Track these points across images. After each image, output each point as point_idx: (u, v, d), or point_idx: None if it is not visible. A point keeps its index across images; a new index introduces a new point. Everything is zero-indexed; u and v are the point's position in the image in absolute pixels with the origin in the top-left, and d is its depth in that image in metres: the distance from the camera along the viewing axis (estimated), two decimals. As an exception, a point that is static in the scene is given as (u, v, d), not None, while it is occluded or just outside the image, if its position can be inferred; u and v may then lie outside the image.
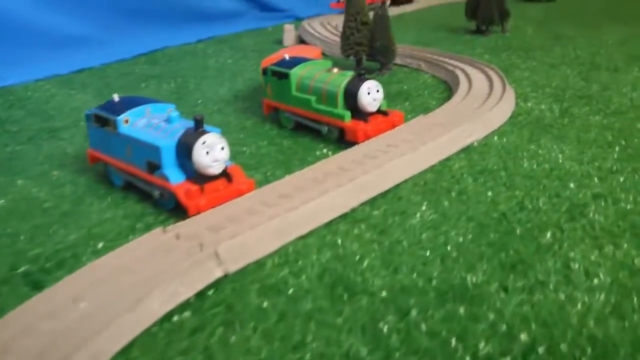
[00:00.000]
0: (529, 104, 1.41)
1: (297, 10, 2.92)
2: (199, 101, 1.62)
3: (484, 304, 0.69)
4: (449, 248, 0.82)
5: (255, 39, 2.50)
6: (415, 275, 0.76)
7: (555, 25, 2.40)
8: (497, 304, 0.69)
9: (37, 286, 0.78)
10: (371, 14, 1.74)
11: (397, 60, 1.87)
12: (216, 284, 0.76)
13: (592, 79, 1.60)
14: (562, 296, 0.71)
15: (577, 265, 0.77)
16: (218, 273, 0.76)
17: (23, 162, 1.24)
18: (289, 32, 2.38)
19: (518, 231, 0.86)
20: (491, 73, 1.58)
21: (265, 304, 0.72)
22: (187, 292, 0.73)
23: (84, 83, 1.90)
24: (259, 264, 0.80)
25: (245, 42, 2.45)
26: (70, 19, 2.30)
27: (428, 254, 0.81)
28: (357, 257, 0.80)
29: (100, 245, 0.88)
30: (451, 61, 1.76)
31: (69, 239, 0.90)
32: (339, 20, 2.49)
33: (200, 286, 0.74)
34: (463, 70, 1.63)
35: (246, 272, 0.78)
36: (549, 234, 0.84)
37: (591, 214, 0.90)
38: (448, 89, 1.60)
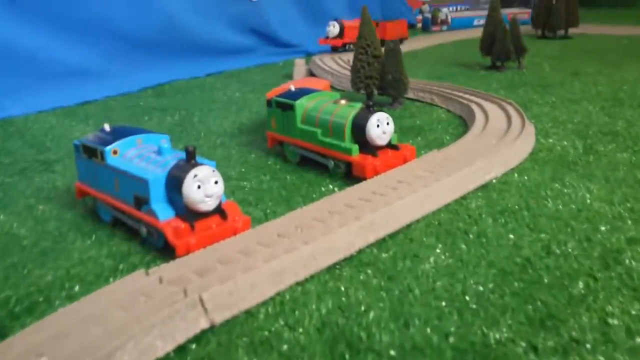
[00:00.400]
0: (550, 140, 1.32)
1: (308, 46, 2.89)
2: (202, 134, 1.55)
3: (509, 367, 0.59)
4: (467, 298, 0.72)
5: (265, 73, 2.46)
6: (429, 330, 0.66)
7: (572, 62, 2.33)
8: (525, 368, 0.59)
9: (1, 334, 0.69)
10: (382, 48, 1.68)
11: (410, 94, 1.80)
12: (200, 337, 0.66)
13: (616, 115, 1.51)
14: (601, 359, 0.60)
15: (616, 321, 0.66)
16: (203, 324, 0.67)
17: (10, 195, 1.17)
18: (300, 66, 2.33)
19: (546, 280, 0.75)
20: (509, 108, 1.49)
21: (254, 362, 0.62)
22: (165, 346, 0.63)
23: (87, 115, 1.85)
24: (250, 313, 0.70)
25: (254, 76, 2.40)
26: (77, 51, 2.26)
27: (444, 304, 0.71)
28: (363, 308, 0.70)
29: (76, 288, 0.80)
30: (466, 95, 1.68)
31: (43, 281, 0.82)
32: (350, 56, 2.44)
33: (181, 339, 0.65)
34: (479, 105, 1.55)
35: (235, 323, 0.69)
36: (581, 284, 0.74)
37: (627, 261, 0.79)
38: (463, 124, 1.52)
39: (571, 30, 3.07)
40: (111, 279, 0.81)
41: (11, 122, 1.77)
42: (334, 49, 2.67)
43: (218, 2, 2.78)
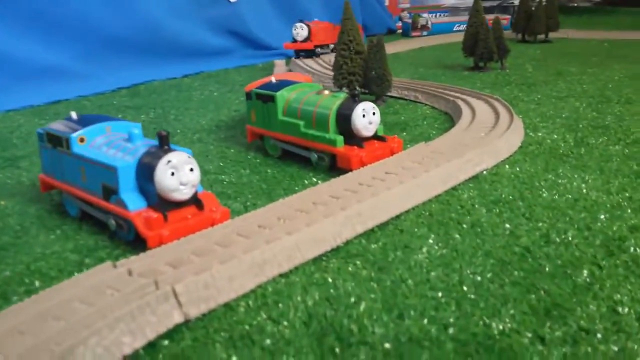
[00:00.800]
0: (540, 134, 1.28)
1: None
2: (178, 131, 1.48)
3: (517, 358, 0.53)
4: (465, 289, 0.66)
5: (245, 74, 2.40)
6: (426, 321, 0.60)
7: (555, 63, 2.31)
8: (534, 359, 0.53)
9: (-52, 334, 0.62)
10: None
11: (393, 93, 1.75)
12: (173, 332, 0.60)
13: (605, 111, 1.48)
14: (614, 348, 0.55)
15: (626, 309, 0.61)
16: (176, 318, 0.60)
17: (-31, 190, 1.09)
18: (280, 66, 2.28)
19: (547, 268, 0.70)
20: (496, 104, 1.46)
21: (234, 359, 0.55)
22: (133, 342, 0.57)
23: (57, 114, 1.76)
24: (229, 307, 0.64)
25: (233, 77, 2.34)
26: (51, 50, 2.17)
27: (440, 295, 0.65)
28: (353, 299, 0.64)
29: (37, 283, 0.72)
30: (451, 92, 1.64)
31: (1, 276, 0.74)
32: (330, 58, 2.40)
33: (151, 335, 0.58)
34: (465, 101, 1.51)
35: (212, 317, 0.62)
36: (585, 272, 0.69)
37: (632, 249, 0.75)
38: (449, 120, 1.47)
39: (551, 35, 3.07)
40: (76, 274, 0.74)
41: (-24, 121, 1.68)
42: (303, 54, 2.45)
43: (196, 3, 2.71)
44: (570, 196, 0.93)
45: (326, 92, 1.15)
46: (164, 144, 0.80)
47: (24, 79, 2.07)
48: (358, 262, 0.73)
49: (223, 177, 1.10)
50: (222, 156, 1.24)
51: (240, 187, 1.05)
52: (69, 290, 0.63)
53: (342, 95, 1.12)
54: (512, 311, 0.62)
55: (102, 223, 0.87)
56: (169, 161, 0.77)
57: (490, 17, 3.28)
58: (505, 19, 3.71)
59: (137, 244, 0.81)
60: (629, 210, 0.86)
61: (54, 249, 0.82)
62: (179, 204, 0.80)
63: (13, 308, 0.60)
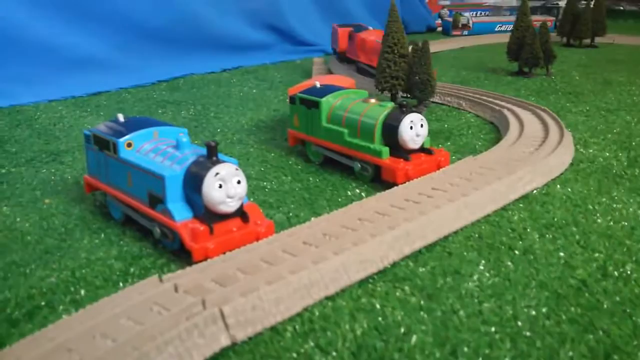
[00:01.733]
0: (590, 151, 1.24)
1: (326, 45, 2.81)
2: (218, 130, 1.48)
3: (579, 410, 0.51)
4: (519, 324, 0.64)
5: (283, 71, 2.38)
6: (480, 360, 0.58)
7: (602, 71, 2.24)
8: (597, 412, 0.51)
9: (-4, 342, 0.62)
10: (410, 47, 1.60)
11: (435, 99, 1.72)
12: (219, 356, 0.58)
13: (658, 126, 1.42)
14: (682, 403, 0.52)
15: (693, 359, 0.58)
16: (223, 341, 0.59)
17: (14, 186, 1.10)
18: (318, 65, 2.26)
19: (605, 305, 0.67)
20: (544, 115, 1.41)
21: (281, 389, 0.54)
22: (180, 366, 0.56)
23: (98, 106, 1.78)
24: (276, 331, 0.63)
25: (272, 73, 2.33)
26: (91, 41, 2.20)
27: (493, 330, 0.63)
28: (403, 330, 0.62)
29: (82, 292, 0.72)
30: (496, 100, 1.60)
31: (46, 282, 0.74)
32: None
33: (198, 358, 0.57)
34: (511, 111, 1.47)
35: (258, 341, 0.61)
36: (646, 312, 0.66)
37: (695, 288, 0.71)
38: (494, 130, 1.44)
39: (597, 40, 2.98)
40: (121, 284, 0.74)
41: (20, 110, 1.71)
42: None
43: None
44: (626, 223, 0.89)
45: (372, 100, 1.13)
46: (212, 155, 0.78)
47: (65, 69, 2.09)
48: (406, 288, 0.71)
49: (265, 183, 1.09)
50: (263, 160, 1.23)
51: (282, 195, 1.04)
52: (116, 304, 0.63)
53: (390, 105, 1.09)
54: (570, 353, 0.59)
55: (146, 229, 0.87)
56: (217, 173, 0.76)
57: (534, 19, 3.21)
58: (549, 21, 3.62)
59: (180, 253, 0.80)
60: (691, 243, 0.82)
61: (99, 255, 0.81)
62: (225, 216, 0.79)
63: (62, 323, 0.60)
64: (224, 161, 0.79)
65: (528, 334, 0.62)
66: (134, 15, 2.36)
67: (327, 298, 0.69)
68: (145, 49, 2.36)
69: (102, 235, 0.88)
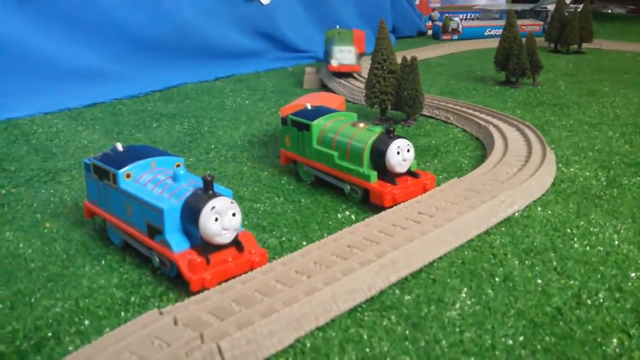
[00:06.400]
0: (572, 170, 1.29)
1: (318, 52, 2.84)
2: (212, 146, 1.52)
3: None
4: (497, 354, 0.69)
5: (275, 79, 2.42)
6: (459, 392, 0.62)
7: (588, 80, 2.29)
8: None
9: (6, 375, 0.66)
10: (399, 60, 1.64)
11: (424, 112, 1.76)
12: (217, 389, 0.63)
13: (638, 143, 1.47)
14: None
15: (655, 388, 0.63)
16: (220, 374, 0.64)
17: (15, 209, 1.13)
18: (310, 74, 2.30)
19: (577, 334, 0.72)
20: (528, 132, 1.46)
21: (275, 421, 0.58)
22: (181, 400, 0.60)
23: (94, 119, 1.81)
24: (270, 363, 0.67)
25: (264, 82, 2.36)
26: (84, 52, 2.22)
27: (472, 360, 0.67)
28: (388, 361, 0.67)
29: (86, 322, 0.76)
30: (482, 115, 1.65)
31: (52, 312, 0.78)
32: (362, 64, 2.40)
33: (197, 392, 0.61)
34: (497, 127, 1.51)
35: (254, 374, 0.65)
36: (615, 341, 0.71)
37: (662, 316, 0.76)
38: (480, 146, 1.48)
39: (584, 45, 3.03)
40: (122, 313, 0.78)
41: (16, 125, 1.73)
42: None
43: (228, 5, 2.73)
44: (601, 248, 0.94)
45: (361, 124, 1.17)
46: (208, 189, 0.83)
47: (59, 80, 2.11)
48: (392, 317, 0.76)
49: (258, 205, 1.13)
50: (256, 179, 1.27)
51: (275, 218, 1.08)
52: (120, 338, 0.67)
53: (378, 130, 1.13)
54: (543, 383, 0.64)
55: (144, 254, 0.91)
56: (213, 207, 0.80)
57: (521, 24, 3.25)
58: (538, 25, 3.67)
59: (178, 281, 0.84)
60: (661, 269, 0.87)
61: (100, 283, 0.85)
62: (221, 246, 0.83)
63: (71, 357, 0.64)
64: (220, 194, 0.83)
65: (505, 364, 0.67)
66: (126, 25, 2.38)
67: (318, 329, 0.73)
68: (138, 59, 2.38)
69: (103, 261, 0.92)
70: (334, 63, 2.13)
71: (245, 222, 1.05)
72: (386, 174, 1.10)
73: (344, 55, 2.14)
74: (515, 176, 1.18)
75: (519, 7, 4.01)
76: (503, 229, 1.01)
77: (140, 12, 2.41)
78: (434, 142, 1.53)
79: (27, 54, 2.05)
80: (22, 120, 1.77)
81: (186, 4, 2.55)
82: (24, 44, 2.05)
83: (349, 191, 1.15)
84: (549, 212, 1.07)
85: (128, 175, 0.91)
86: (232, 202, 0.83)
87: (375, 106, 1.69)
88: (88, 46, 2.23)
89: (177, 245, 0.82)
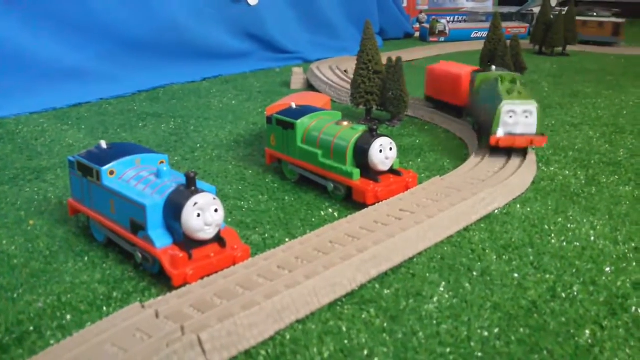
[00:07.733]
0: (552, 169, 1.31)
1: (305, 53, 2.86)
2: (198, 145, 1.52)
3: None
4: (472, 345, 0.70)
5: (262, 80, 2.43)
6: (434, 381, 0.64)
7: (571, 82, 2.33)
8: None
9: (-12, 368, 0.67)
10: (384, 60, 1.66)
11: (409, 112, 1.78)
12: (197, 380, 0.64)
13: (618, 143, 1.50)
14: (611, 419, 0.59)
15: (625, 377, 0.65)
16: (200, 366, 0.65)
17: (0, 206, 1.13)
18: (297, 75, 2.31)
19: (551, 326, 0.74)
20: (510, 131, 1.48)
21: (254, 411, 0.60)
22: (161, 390, 0.61)
23: (79, 119, 1.81)
24: (249, 354, 0.68)
25: (251, 82, 2.37)
26: (71, 51, 2.22)
27: (448, 351, 0.69)
28: (366, 352, 0.68)
29: (68, 317, 0.77)
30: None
31: (34, 308, 0.79)
32: (348, 65, 2.42)
33: (178, 382, 0.62)
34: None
35: (233, 365, 0.66)
36: (587, 332, 0.73)
37: (633, 309, 0.78)
38: (463, 146, 1.50)
39: (569, 47, 3.07)
40: (104, 308, 0.79)
41: (1, 124, 1.73)
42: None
43: (215, 5, 2.74)
44: (578, 244, 0.96)
45: (345, 123, 1.18)
46: (191, 185, 0.83)
47: (44, 80, 2.11)
48: (371, 310, 0.77)
49: (242, 203, 1.14)
50: (240, 178, 1.28)
51: (259, 215, 1.09)
52: (102, 331, 0.68)
53: (361, 129, 1.15)
54: (516, 373, 0.65)
55: (127, 251, 0.91)
56: (195, 203, 0.81)
57: (508, 26, 3.29)
58: (524, 28, 3.71)
59: (160, 276, 0.85)
60: (634, 264, 0.89)
61: (83, 279, 0.86)
62: (203, 242, 0.84)
63: (50, 350, 0.65)
64: (202, 190, 0.84)
65: (480, 354, 0.68)
66: (113, 25, 2.37)
67: (298, 321, 0.74)
68: (125, 59, 2.38)
69: (86, 258, 0.92)
70: (500, 133, 1.28)
71: (229, 220, 1.06)
72: (369, 172, 1.11)
73: (518, 119, 1.28)
74: (496, 175, 1.20)
75: (505, 9, 4.05)
76: (483, 225, 1.02)
77: (127, 12, 2.41)
78: (417, 141, 1.55)
79: (13, 53, 2.05)
80: (7, 120, 1.77)
81: (173, 4, 2.55)
82: (10, 44, 2.04)
83: (332, 189, 1.16)
84: (528, 209, 1.09)
85: (111, 172, 0.91)
86: (214, 199, 0.84)
87: (361, 106, 1.70)
88: (74, 46, 2.23)
89: (160, 240, 0.83)
